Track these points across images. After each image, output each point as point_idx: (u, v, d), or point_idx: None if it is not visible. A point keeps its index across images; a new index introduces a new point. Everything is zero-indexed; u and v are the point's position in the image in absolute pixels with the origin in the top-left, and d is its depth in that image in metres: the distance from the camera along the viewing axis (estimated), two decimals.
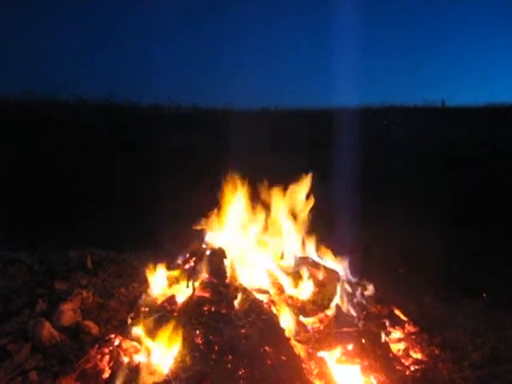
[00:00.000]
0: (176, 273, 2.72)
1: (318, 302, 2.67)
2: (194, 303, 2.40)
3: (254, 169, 3.08)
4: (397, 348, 2.68)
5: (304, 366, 2.25)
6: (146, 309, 2.52)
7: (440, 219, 5.22)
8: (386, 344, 2.59)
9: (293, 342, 2.35)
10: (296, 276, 2.78)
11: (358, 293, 2.95)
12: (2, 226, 4.63)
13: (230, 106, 10.46)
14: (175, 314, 2.39)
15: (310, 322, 2.59)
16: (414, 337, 2.80)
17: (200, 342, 2.15)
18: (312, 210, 3.09)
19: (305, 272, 2.80)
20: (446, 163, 7.56)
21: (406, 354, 2.65)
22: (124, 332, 2.48)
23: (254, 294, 2.54)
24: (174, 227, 3.62)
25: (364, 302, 2.92)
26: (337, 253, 3.10)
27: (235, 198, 3.00)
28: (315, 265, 2.92)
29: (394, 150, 8.02)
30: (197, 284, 2.54)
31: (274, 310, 2.50)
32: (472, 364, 2.62)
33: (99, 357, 2.43)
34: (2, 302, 3.10)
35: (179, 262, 2.86)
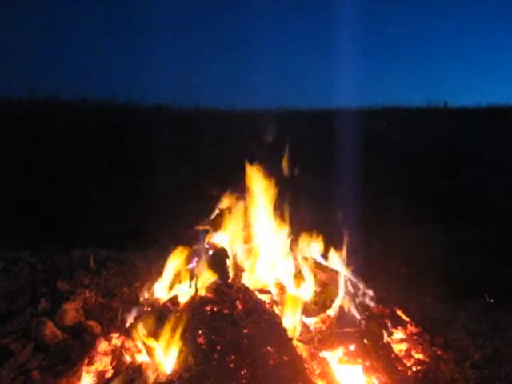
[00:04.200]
0: (179, 272, 2.73)
1: (321, 303, 2.68)
2: (196, 303, 2.41)
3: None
4: (399, 348, 2.68)
5: (306, 366, 2.25)
6: (149, 308, 2.52)
7: (442, 219, 5.23)
8: (388, 344, 2.60)
9: (295, 342, 2.35)
10: (298, 276, 2.79)
11: (360, 293, 2.95)
12: (4, 225, 4.65)
13: (232, 107, 10.48)
14: (178, 313, 2.39)
15: (312, 322, 2.60)
16: (415, 337, 2.80)
17: (202, 341, 2.15)
18: (313, 209, 3.10)
19: (307, 272, 2.80)
20: (448, 164, 7.55)
21: (408, 355, 2.65)
22: (127, 332, 2.48)
23: (257, 294, 2.55)
24: (177, 227, 3.63)
25: (366, 302, 2.92)
26: (339, 253, 3.09)
27: (238, 197, 3.01)
28: (317, 265, 2.92)
29: (395, 150, 8.01)
30: (199, 284, 2.55)
31: (276, 310, 2.51)
32: (474, 364, 2.62)
33: (102, 356, 2.43)
34: (5, 301, 3.11)
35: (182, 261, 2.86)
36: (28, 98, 9.24)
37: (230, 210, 3.01)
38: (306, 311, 2.61)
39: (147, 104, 10.35)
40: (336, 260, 3.06)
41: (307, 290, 2.75)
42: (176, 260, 2.77)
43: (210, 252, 2.79)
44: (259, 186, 2.92)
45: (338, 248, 3.07)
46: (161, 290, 2.72)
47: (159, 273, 2.78)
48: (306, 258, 2.95)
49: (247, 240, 2.94)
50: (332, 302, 2.69)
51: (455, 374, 2.51)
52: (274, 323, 2.34)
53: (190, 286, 2.56)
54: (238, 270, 2.71)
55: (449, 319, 3.19)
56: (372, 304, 2.93)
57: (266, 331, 2.25)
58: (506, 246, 4.59)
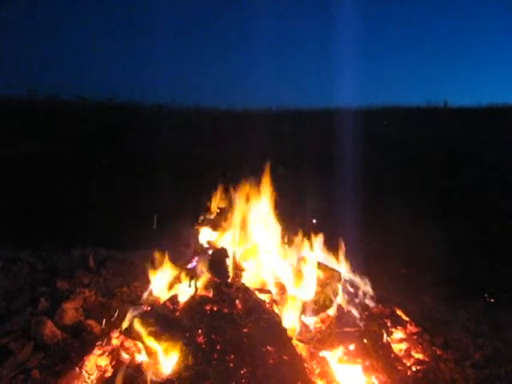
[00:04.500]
0: (178, 272, 2.73)
1: (320, 302, 2.67)
2: (196, 303, 2.41)
3: (254, 169, 3.08)
4: (398, 348, 2.68)
5: (306, 365, 2.25)
6: (149, 308, 2.52)
7: (442, 219, 5.22)
8: (388, 344, 2.60)
9: (295, 342, 2.35)
10: (298, 276, 2.78)
11: (360, 293, 2.95)
12: (5, 224, 4.64)
13: (232, 106, 10.48)
14: (177, 313, 2.39)
15: (311, 321, 2.59)
16: (415, 337, 2.80)
17: (202, 341, 2.15)
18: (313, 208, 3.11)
19: (307, 272, 2.80)
20: (448, 163, 7.55)
21: (408, 355, 2.65)
22: (126, 331, 2.48)
23: (256, 293, 2.54)
24: (176, 226, 3.63)
25: (366, 302, 2.92)
26: (339, 253, 3.09)
27: (237, 197, 3.00)
28: (317, 264, 2.91)
29: (395, 150, 8.01)
30: (199, 283, 2.55)
31: (276, 309, 2.50)
32: (474, 364, 2.62)
33: (101, 356, 2.43)
34: (5, 301, 3.11)
35: (181, 261, 2.86)
36: (28, 98, 9.23)
37: (229, 209, 3.01)
38: (306, 311, 2.60)
39: (147, 103, 10.36)
40: (336, 259, 3.06)
41: (307, 290, 2.74)
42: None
43: (210, 251, 2.79)
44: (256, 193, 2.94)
45: (338, 247, 3.07)
46: (160, 290, 2.72)
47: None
48: (306, 258, 2.95)
49: (247, 239, 2.93)
50: (332, 301, 2.69)
51: (455, 374, 2.51)
52: (274, 323, 2.34)
53: (190, 286, 2.55)
54: (238, 269, 2.71)
55: (449, 319, 3.19)
56: (372, 304, 2.93)
57: (265, 331, 2.25)
58: (506, 246, 4.59)
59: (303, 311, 2.58)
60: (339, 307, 2.67)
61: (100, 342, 2.50)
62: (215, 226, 3.00)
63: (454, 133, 8.95)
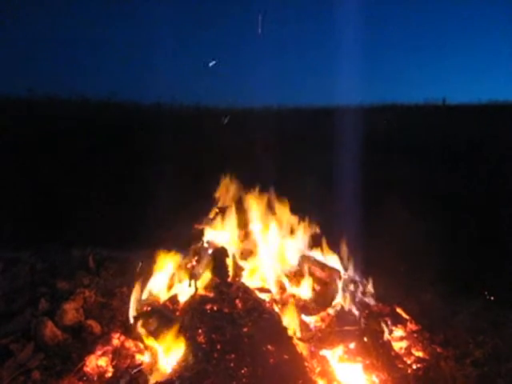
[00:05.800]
0: (178, 272, 2.73)
1: (320, 301, 2.67)
2: (196, 302, 2.41)
3: (254, 169, 3.08)
4: (399, 346, 2.69)
5: (306, 364, 2.25)
6: (149, 308, 2.52)
7: (441, 217, 5.22)
8: (388, 342, 2.60)
9: (295, 341, 2.35)
10: (298, 275, 2.79)
11: (360, 291, 2.95)
12: (4, 225, 4.64)
13: (232, 105, 10.43)
14: (178, 313, 2.39)
15: (312, 320, 2.60)
16: (415, 335, 2.80)
17: (202, 340, 2.16)
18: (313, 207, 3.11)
19: (307, 271, 2.80)
20: (447, 161, 7.54)
21: (408, 353, 2.66)
22: (126, 331, 2.48)
23: (256, 292, 2.55)
24: (177, 226, 3.62)
25: (366, 300, 2.92)
26: (338, 251, 3.09)
27: (237, 197, 3.01)
28: (317, 263, 2.92)
29: (394, 148, 7.99)
30: (199, 283, 2.55)
31: (276, 308, 2.51)
32: (474, 362, 2.62)
33: (102, 356, 2.43)
34: (5, 302, 3.11)
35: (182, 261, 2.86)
36: (28, 97, 9.21)
37: (229, 208, 3.01)
38: (306, 310, 2.61)
39: (147, 102, 10.30)
40: (336, 258, 3.06)
41: (307, 289, 2.74)
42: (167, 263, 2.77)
43: (210, 251, 2.79)
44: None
45: (338, 246, 3.07)
46: (160, 290, 2.72)
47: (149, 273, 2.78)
48: (306, 257, 2.95)
49: (247, 238, 2.94)
50: (332, 300, 2.69)
51: (455, 372, 2.51)
52: (274, 322, 2.34)
53: (190, 285, 2.56)
54: (238, 268, 2.71)
55: (448, 317, 3.19)
56: (372, 302, 2.93)
57: (265, 330, 2.25)
58: (505, 244, 4.59)
59: (303, 310, 2.58)
60: (339, 306, 2.68)
61: (101, 343, 2.50)
62: (215, 225, 3.00)
63: (453, 130, 8.94)
